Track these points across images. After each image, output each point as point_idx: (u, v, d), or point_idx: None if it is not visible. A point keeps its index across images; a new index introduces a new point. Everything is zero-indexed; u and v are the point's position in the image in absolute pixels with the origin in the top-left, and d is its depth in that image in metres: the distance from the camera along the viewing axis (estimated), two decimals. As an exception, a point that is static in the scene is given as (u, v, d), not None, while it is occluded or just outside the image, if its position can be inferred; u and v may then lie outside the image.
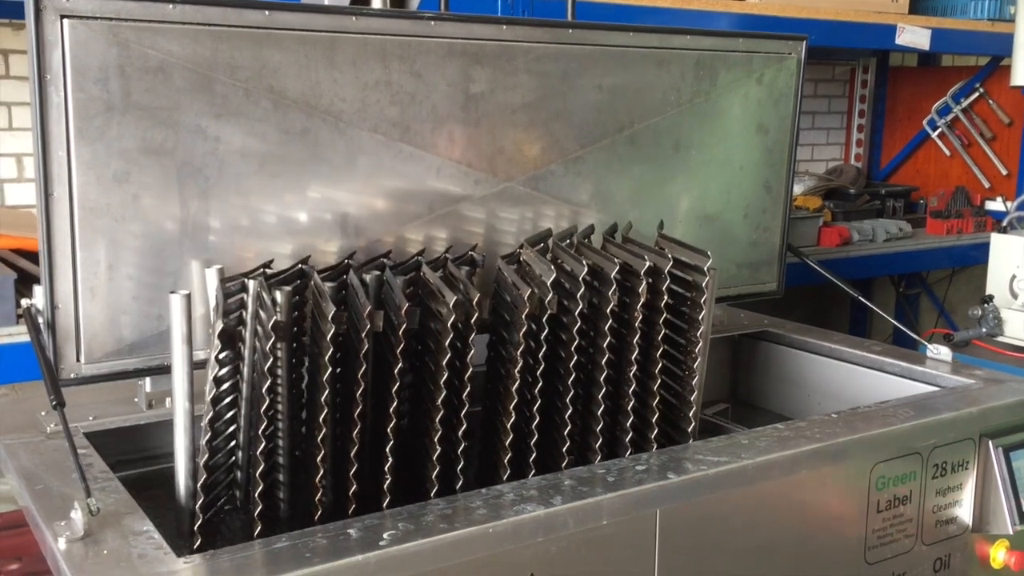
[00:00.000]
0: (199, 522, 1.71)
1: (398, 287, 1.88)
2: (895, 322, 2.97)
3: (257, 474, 1.75)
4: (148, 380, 2.07)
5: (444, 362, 1.81)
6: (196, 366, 1.84)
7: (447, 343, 1.81)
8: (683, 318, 2.10)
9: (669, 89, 2.54)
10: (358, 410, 1.76)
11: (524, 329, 1.88)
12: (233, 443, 1.91)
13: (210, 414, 1.78)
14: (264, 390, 1.72)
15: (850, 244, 4.55)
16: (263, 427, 1.74)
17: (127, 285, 1.96)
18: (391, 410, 1.79)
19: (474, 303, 1.86)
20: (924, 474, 2.13)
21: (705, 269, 2.05)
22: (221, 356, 1.82)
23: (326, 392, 1.75)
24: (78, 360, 1.95)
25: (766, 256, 2.85)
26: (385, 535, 1.54)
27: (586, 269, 1.94)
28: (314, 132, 2.09)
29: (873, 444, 2.05)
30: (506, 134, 2.32)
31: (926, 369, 2.50)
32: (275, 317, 1.72)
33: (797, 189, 4.91)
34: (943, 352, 2.54)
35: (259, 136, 2.03)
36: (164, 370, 1.93)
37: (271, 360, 1.72)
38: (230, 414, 1.89)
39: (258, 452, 1.75)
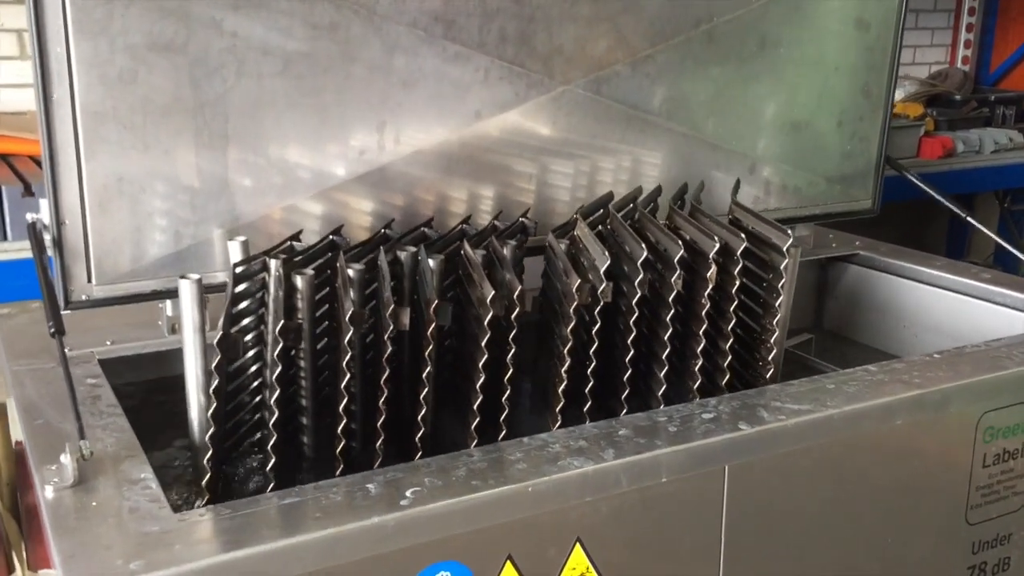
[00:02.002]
0: (207, 476, 1.53)
1: (431, 274, 1.65)
2: (1000, 240, 2.62)
3: (268, 470, 1.55)
4: (169, 303, 1.89)
5: (481, 364, 1.57)
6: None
7: (484, 342, 1.58)
8: (758, 301, 1.83)
9: (755, -22, 2.23)
10: (381, 420, 1.54)
11: (572, 325, 1.62)
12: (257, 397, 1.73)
13: (214, 405, 1.53)
14: (273, 401, 1.54)
15: (954, 156, 4.18)
16: (273, 421, 1.55)
17: (141, 199, 1.77)
18: (420, 417, 1.58)
19: (515, 297, 1.61)
20: (1040, 425, 1.86)
21: (785, 250, 1.76)
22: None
23: (345, 400, 1.53)
24: (89, 281, 1.77)
25: (861, 169, 2.53)
26: (408, 492, 1.35)
27: (645, 253, 1.67)
28: (345, 27, 1.84)
29: (982, 391, 1.79)
30: (565, 30, 2.04)
31: (1042, 301, 2.19)
32: (283, 320, 1.50)
33: (896, 95, 4.51)
34: (1063, 282, 2.23)
35: (282, 31, 1.79)
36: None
37: (280, 368, 1.53)
38: (253, 401, 1.72)
39: (269, 446, 1.55)
